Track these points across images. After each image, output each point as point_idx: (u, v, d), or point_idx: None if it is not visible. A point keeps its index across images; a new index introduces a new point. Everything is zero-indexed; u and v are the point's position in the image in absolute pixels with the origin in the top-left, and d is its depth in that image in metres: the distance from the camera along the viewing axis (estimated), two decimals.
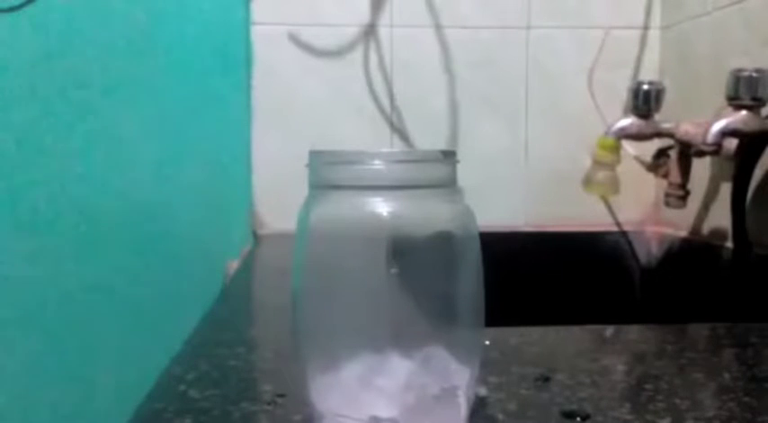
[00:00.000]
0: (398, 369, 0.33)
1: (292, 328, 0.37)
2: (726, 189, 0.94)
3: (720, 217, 0.98)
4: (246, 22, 1.14)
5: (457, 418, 0.36)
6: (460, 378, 0.35)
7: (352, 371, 0.34)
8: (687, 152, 0.93)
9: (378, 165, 0.35)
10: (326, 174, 0.36)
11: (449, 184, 0.36)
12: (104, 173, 1.12)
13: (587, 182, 0.99)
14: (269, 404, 0.42)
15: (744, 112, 0.82)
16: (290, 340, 0.37)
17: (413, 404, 0.34)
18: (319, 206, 0.36)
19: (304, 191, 0.38)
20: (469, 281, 0.36)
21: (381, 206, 0.34)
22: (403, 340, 0.34)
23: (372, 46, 1.16)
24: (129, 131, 1.13)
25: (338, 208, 0.35)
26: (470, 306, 0.36)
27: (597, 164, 0.98)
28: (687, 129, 0.91)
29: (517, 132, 1.19)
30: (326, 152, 0.36)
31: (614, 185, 0.99)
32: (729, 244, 0.94)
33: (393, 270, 0.33)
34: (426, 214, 0.35)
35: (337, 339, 0.35)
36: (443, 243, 0.35)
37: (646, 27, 1.19)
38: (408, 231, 0.34)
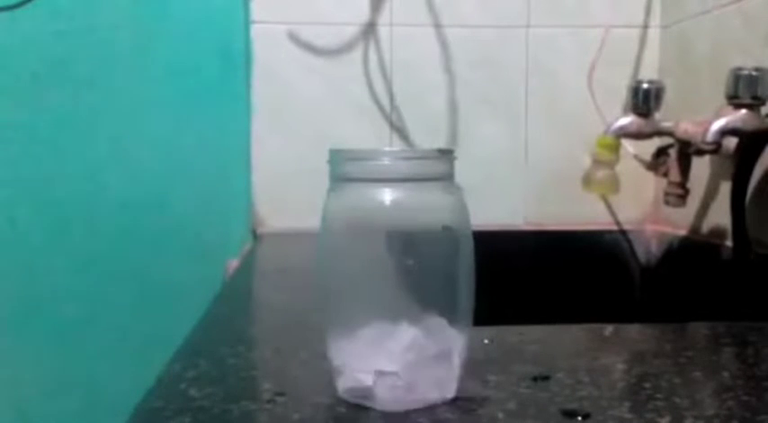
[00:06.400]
0: (405, 334, 0.40)
1: (317, 299, 0.43)
2: (725, 188, 0.94)
3: (720, 216, 0.98)
4: (246, 21, 1.13)
5: (450, 374, 0.41)
6: (456, 343, 0.41)
7: (366, 335, 0.40)
8: (687, 151, 0.93)
9: (385, 161, 0.41)
10: (344, 168, 0.42)
11: (446, 178, 0.42)
12: (104, 172, 1.12)
13: (587, 181, 0.99)
14: (268, 403, 0.42)
15: (743, 111, 0.82)
16: (316, 307, 0.43)
17: (413, 361, 0.40)
18: (337, 196, 0.42)
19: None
20: (465, 261, 0.42)
21: (389, 195, 0.40)
22: (409, 311, 0.40)
23: (372, 45, 1.16)
24: (129, 130, 1.13)
25: (353, 197, 0.42)
26: (466, 282, 0.42)
27: (597, 163, 0.98)
28: (687, 127, 0.90)
29: (517, 131, 1.19)
30: (345, 150, 0.42)
31: (614, 184, 0.98)
32: (729, 243, 0.93)
33: (409, 261, 0.40)
34: (427, 203, 0.41)
35: (354, 309, 0.42)
36: (443, 231, 0.41)
37: (646, 26, 1.19)
38: (411, 218, 0.41)
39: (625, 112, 1.00)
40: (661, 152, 1.00)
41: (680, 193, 0.95)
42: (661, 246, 1.15)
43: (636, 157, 1.09)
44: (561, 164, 1.17)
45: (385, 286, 0.40)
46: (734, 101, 0.82)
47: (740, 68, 0.82)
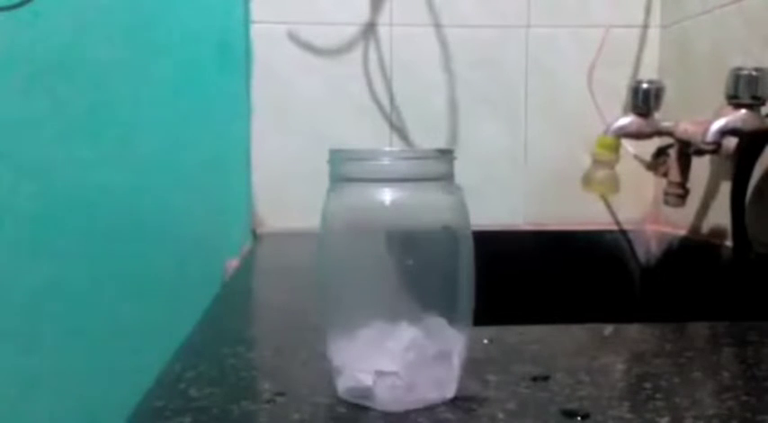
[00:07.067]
0: (405, 334, 0.40)
1: (317, 299, 0.43)
2: (725, 188, 0.94)
3: (720, 216, 0.98)
4: (246, 21, 1.13)
5: (450, 374, 0.42)
6: (456, 343, 0.42)
7: (366, 335, 0.40)
8: (687, 151, 0.93)
9: (385, 161, 0.41)
10: (344, 168, 0.42)
11: (446, 178, 0.42)
12: (103, 171, 1.12)
13: (587, 181, 0.99)
14: (268, 403, 0.42)
15: (743, 111, 0.82)
16: (316, 307, 0.44)
17: (413, 361, 0.40)
18: (337, 196, 0.42)
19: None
20: (465, 261, 0.42)
21: (389, 195, 0.40)
22: (409, 311, 0.40)
23: (372, 45, 1.16)
24: (129, 130, 1.13)
25: (353, 197, 0.42)
26: (466, 282, 0.42)
27: (597, 162, 0.98)
28: (687, 127, 0.90)
29: (517, 131, 1.19)
30: (344, 150, 0.42)
31: (614, 184, 0.98)
32: (729, 243, 0.94)
33: (409, 261, 0.40)
34: (427, 203, 0.41)
35: (354, 309, 0.42)
36: (443, 231, 0.42)
37: (645, 26, 1.19)
38: (411, 218, 0.41)
39: (625, 112, 1.00)
40: (661, 152, 1.00)
41: (680, 193, 0.95)
42: (661, 246, 1.15)
43: (636, 157, 1.09)
44: (561, 164, 1.17)
45: (385, 286, 0.40)
46: (734, 101, 0.82)
47: (740, 68, 0.82)
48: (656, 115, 0.97)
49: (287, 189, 1.14)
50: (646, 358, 0.51)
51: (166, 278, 1.14)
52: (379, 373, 0.39)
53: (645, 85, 0.95)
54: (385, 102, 1.17)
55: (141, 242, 1.13)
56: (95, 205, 1.12)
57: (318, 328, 0.43)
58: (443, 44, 1.17)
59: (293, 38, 1.14)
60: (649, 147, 1.02)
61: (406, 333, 0.40)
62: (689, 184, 0.95)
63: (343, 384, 0.42)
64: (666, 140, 0.98)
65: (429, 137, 1.17)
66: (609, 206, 1.20)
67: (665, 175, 0.97)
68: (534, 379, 0.45)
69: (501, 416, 0.39)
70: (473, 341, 0.43)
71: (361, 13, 1.15)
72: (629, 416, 0.39)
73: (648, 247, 1.18)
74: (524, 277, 1.11)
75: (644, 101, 0.95)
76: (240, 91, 1.14)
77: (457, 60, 1.17)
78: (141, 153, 1.13)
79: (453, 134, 1.18)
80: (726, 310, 0.86)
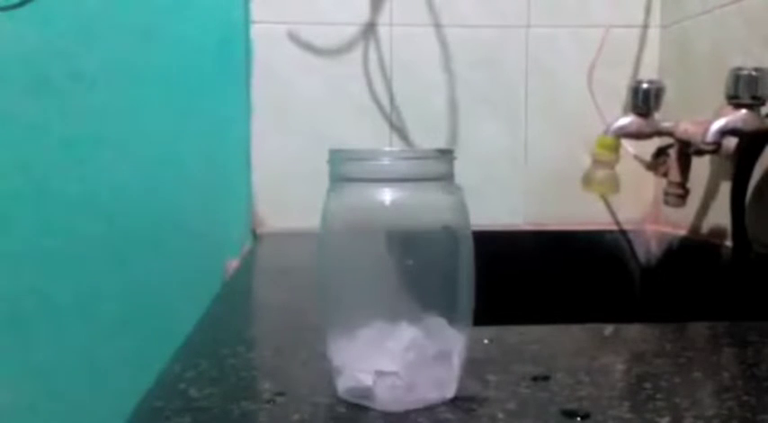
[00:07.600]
0: (405, 334, 0.40)
1: (317, 299, 0.43)
2: (725, 188, 0.94)
3: (720, 216, 0.98)
4: (246, 21, 1.13)
5: (450, 374, 0.42)
6: (456, 343, 0.42)
7: (366, 335, 0.41)
8: (687, 151, 0.93)
9: (385, 161, 0.41)
10: (344, 168, 0.42)
11: (446, 178, 0.42)
12: (103, 171, 1.12)
13: (587, 181, 0.99)
14: (268, 403, 0.42)
15: (743, 111, 0.82)
16: (316, 307, 0.44)
17: (413, 361, 0.40)
18: (337, 196, 0.42)
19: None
20: (465, 261, 0.42)
21: (389, 195, 0.40)
22: (409, 311, 0.40)
23: (372, 45, 1.16)
24: (129, 130, 1.13)
25: (353, 197, 0.42)
26: (466, 282, 0.42)
27: (597, 163, 0.98)
28: (687, 127, 0.90)
29: (517, 131, 1.19)
30: (344, 150, 0.42)
31: (614, 184, 0.98)
32: (729, 243, 0.94)
33: (409, 261, 0.40)
34: (427, 203, 0.42)
35: (354, 309, 0.42)
36: (443, 231, 0.42)
37: (645, 26, 1.19)
38: (411, 218, 0.41)
39: (625, 112, 1.00)
40: (661, 152, 1.00)
41: (680, 193, 0.95)
42: (661, 246, 1.15)
43: (636, 157, 1.09)
44: (561, 164, 1.17)
45: (385, 286, 0.40)
46: (734, 101, 0.82)
47: (740, 68, 0.82)
48: (656, 115, 0.96)
49: (287, 189, 1.14)
50: (646, 358, 0.51)
51: (166, 278, 1.14)
52: (379, 373, 0.39)
53: (645, 85, 0.95)
54: (385, 102, 1.17)
55: (141, 242, 1.13)
56: (95, 205, 1.12)
57: (318, 328, 0.43)
58: (443, 44, 1.17)
59: (293, 38, 1.14)
60: (649, 147, 1.02)
61: (406, 333, 0.40)
62: (689, 184, 0.95)
63: (343, 384, 0.42)
64: (666, 140, 0.98)
65: (429, 137, 1.17)
66: (609, 206, 1.20)
67: (665, 175, 0.97)
68: (534, 379, 0.45)
69: (501, 416, 0.39)
70: (473, 341, 0.43)
71: (361, 13, 1.15)
72: (629, 416, 0.39)
73: (648, 247, 1.18)
74: (524, 277, 1.11)
75: (644, 101, 0.95)
76: (240, 91, 1.14)
77: (457, 60, 1.17)
78: (141, 153, 1.13)
79: (453, 134, 1.18)
80: (726, 310, 0.86)
